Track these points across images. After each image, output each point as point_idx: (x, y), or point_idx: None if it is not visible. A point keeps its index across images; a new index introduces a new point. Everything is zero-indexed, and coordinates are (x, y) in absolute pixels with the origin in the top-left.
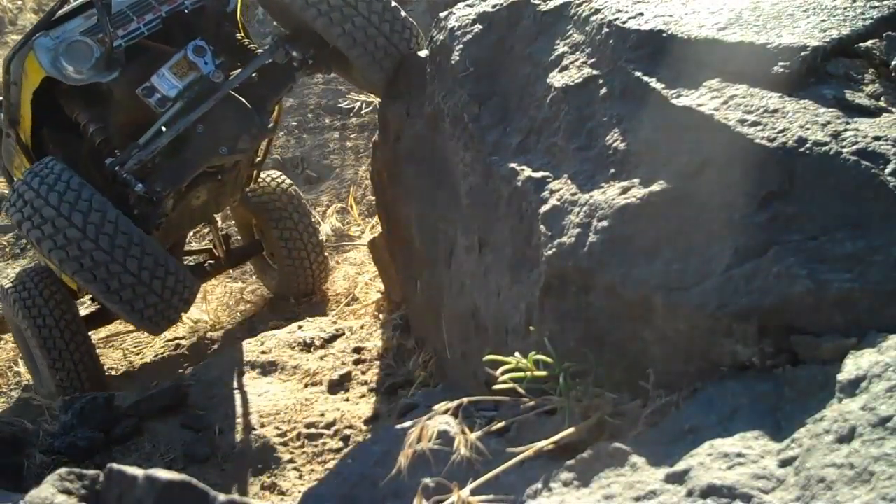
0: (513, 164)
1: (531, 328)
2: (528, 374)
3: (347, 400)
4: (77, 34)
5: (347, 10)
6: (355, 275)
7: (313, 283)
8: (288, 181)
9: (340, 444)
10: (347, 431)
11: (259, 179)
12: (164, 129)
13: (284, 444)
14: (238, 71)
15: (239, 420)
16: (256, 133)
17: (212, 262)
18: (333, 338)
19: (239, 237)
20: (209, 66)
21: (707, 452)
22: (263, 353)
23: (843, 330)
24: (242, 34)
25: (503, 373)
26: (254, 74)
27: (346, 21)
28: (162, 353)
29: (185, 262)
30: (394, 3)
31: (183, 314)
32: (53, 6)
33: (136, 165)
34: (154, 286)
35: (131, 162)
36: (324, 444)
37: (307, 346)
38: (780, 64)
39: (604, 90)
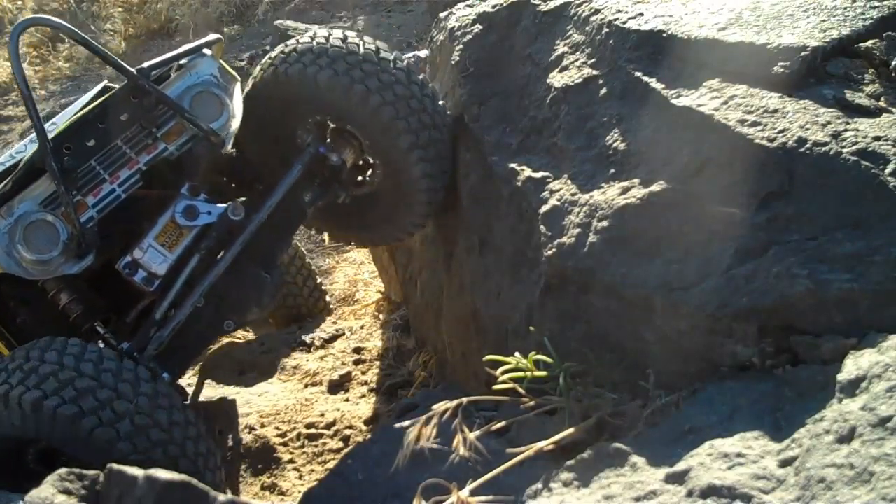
0: (513, 164)
1: (531, 328)
2: (528, 374)
3: (347, 400)
4: (36, 208)
5: (401, 89)
6: (355, 275)
7: (308, 313)
8: None
9: (340, 444)
10: (347, 431)
11: None
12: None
13: (284, 444)
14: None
15: (239, 420)
16: (268, 301)
17: None
18: (333, 338)
19: None
20: (212, 214)
21: (707, 452)
22: (263, 353)
23: (843, 330)
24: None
25: (503, 373)
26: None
27: (390, 94)
28: None
29: None
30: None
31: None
32: (6, 182)
33: (156, 350)
34: (198, 463)
35: (153, 346)
36: (324, 444)
37: (307, 346)
38: (780, 64)
39: (604, 90)
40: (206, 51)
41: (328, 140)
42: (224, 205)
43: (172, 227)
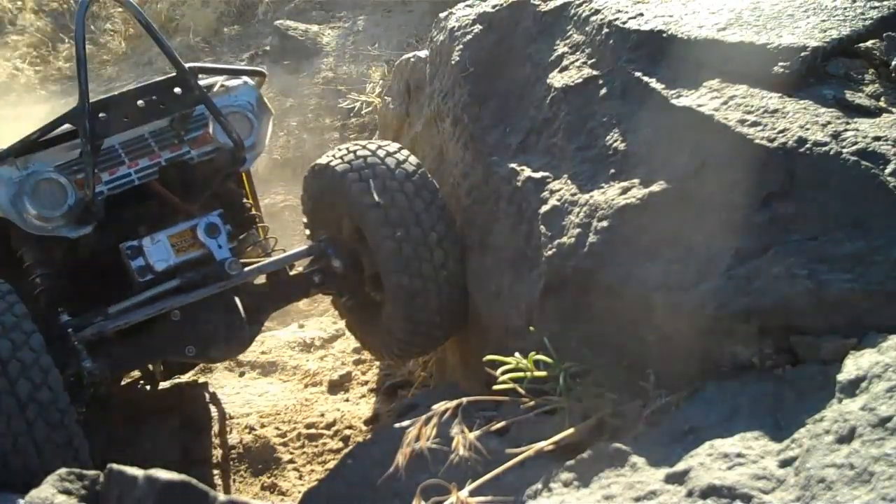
0: (513, 164)
1: (531, 328)
2: (528, 374)
3: (347, 400)
4: (51, 169)
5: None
6: None
7: None
8: None
9: (340, 444)
10: (347, 431)
11: None
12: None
13: (284, 444)
14: (254, 262)
15: (239, 420)
16: (237, 347)
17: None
18: (333, 338)
19: None
20: (223, 252)
21: (707, 453)
22: (263, 353)
23: (843, 330)
24: (248, 196)
25: (503, 373)
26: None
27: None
28: None
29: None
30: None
31: None
32: (34, 132)
33: (93, 336)
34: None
35: (90, 330)
36: (324, 444)
37: (307, 347)
38: (780, 64)
39: (604, 90)
40: (249, 80)
41: (352, 245)
42: (230, 251)
43: (189, 234)
